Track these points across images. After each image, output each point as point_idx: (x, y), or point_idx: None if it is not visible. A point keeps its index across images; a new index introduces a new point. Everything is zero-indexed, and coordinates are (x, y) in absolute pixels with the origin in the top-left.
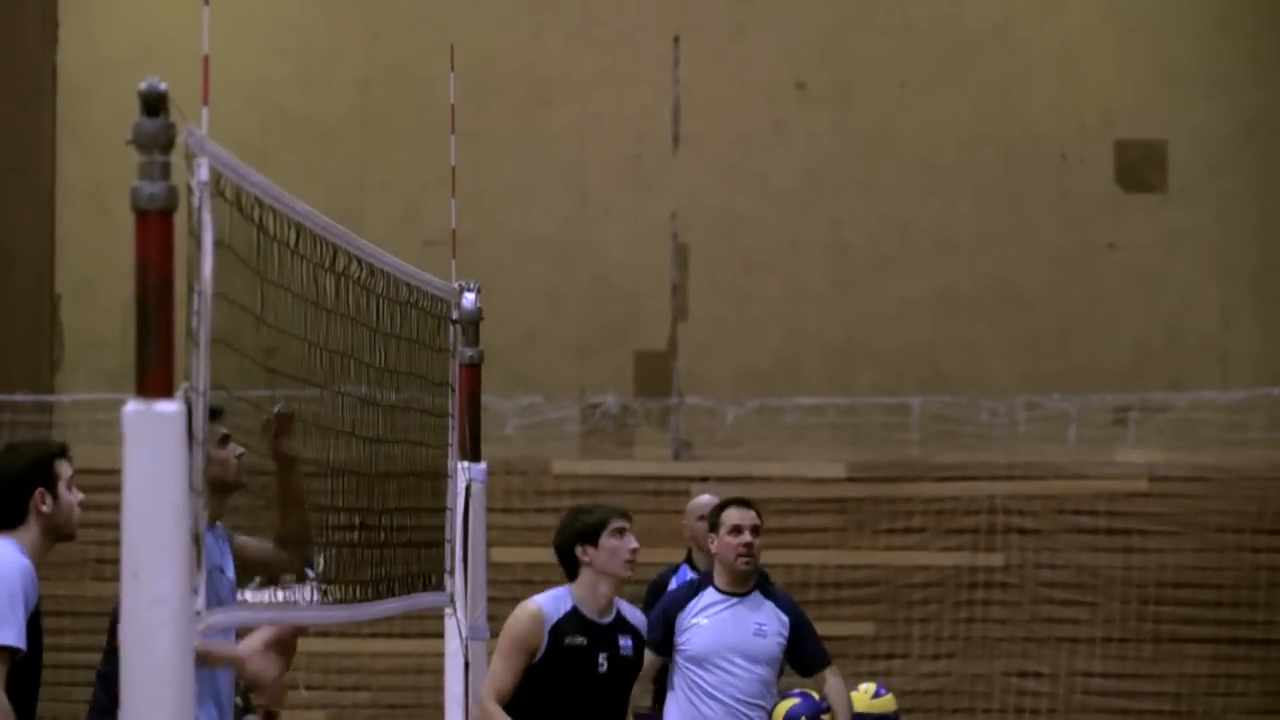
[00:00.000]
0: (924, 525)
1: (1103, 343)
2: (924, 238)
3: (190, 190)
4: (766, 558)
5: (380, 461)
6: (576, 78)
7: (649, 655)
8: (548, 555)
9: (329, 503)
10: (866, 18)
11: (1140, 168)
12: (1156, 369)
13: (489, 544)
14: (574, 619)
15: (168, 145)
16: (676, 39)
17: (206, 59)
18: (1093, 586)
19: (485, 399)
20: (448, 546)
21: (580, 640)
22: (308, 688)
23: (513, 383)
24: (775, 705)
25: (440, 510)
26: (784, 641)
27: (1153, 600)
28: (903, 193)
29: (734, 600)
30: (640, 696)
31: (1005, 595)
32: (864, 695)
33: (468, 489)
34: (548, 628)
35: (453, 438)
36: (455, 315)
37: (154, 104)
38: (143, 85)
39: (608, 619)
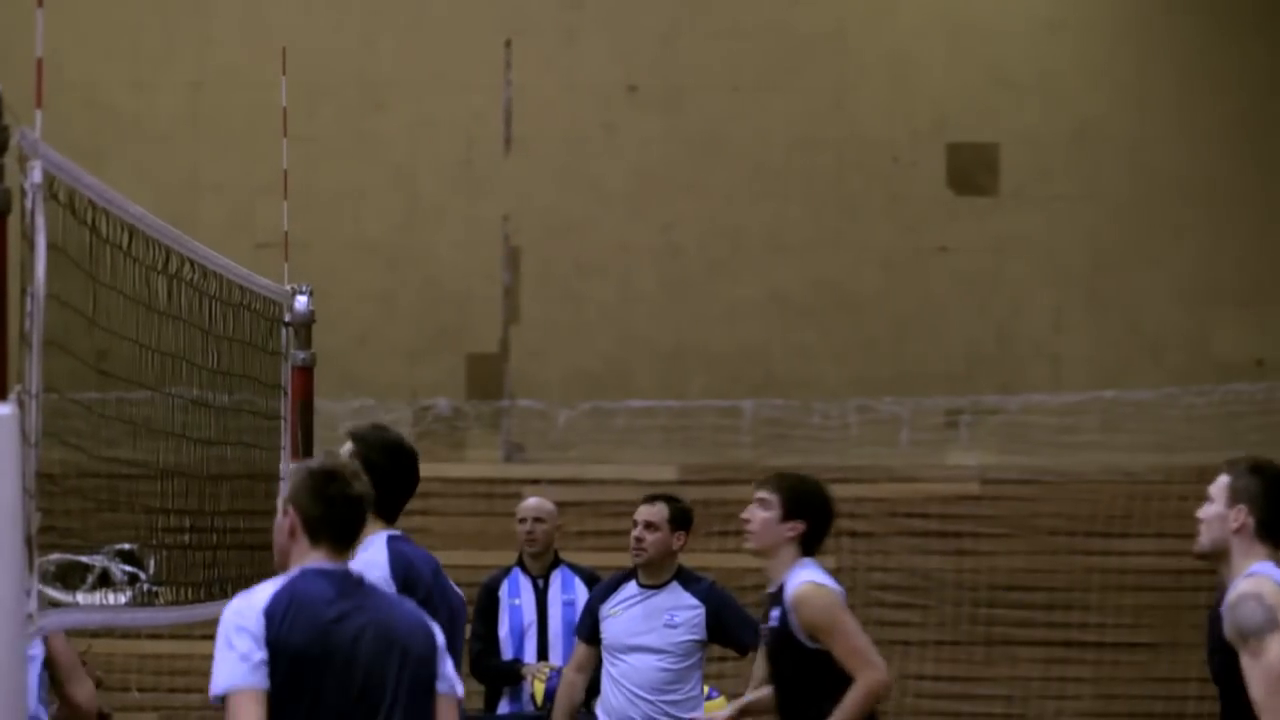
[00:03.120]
0: None
1: (934, 346)
2: (755, 241)
3: (23, 193)
4: (597, 560)
5: (212, 464)
6: (408, 81)
7: (578, 645)
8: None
9: (159, 505)
10: (697, 22)
11: (972, 171)
12: (988, 372)
13: None
14: None
15: (1, 148)
16: (508, 42)
17: (40, 61)
18: (925, 589)
19: (317, 402)
20: None
21: None
22: (140, 689)
23: (344, 385)
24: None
25: (273, 512)
26: (699, 629)
27: (985, 603)
28: (734, 196)
29: (650, 592)
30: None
31: None
32: None
33: None
34: None
35: (285, 440)
36: (287, 318)
37: None
38: None
39: None
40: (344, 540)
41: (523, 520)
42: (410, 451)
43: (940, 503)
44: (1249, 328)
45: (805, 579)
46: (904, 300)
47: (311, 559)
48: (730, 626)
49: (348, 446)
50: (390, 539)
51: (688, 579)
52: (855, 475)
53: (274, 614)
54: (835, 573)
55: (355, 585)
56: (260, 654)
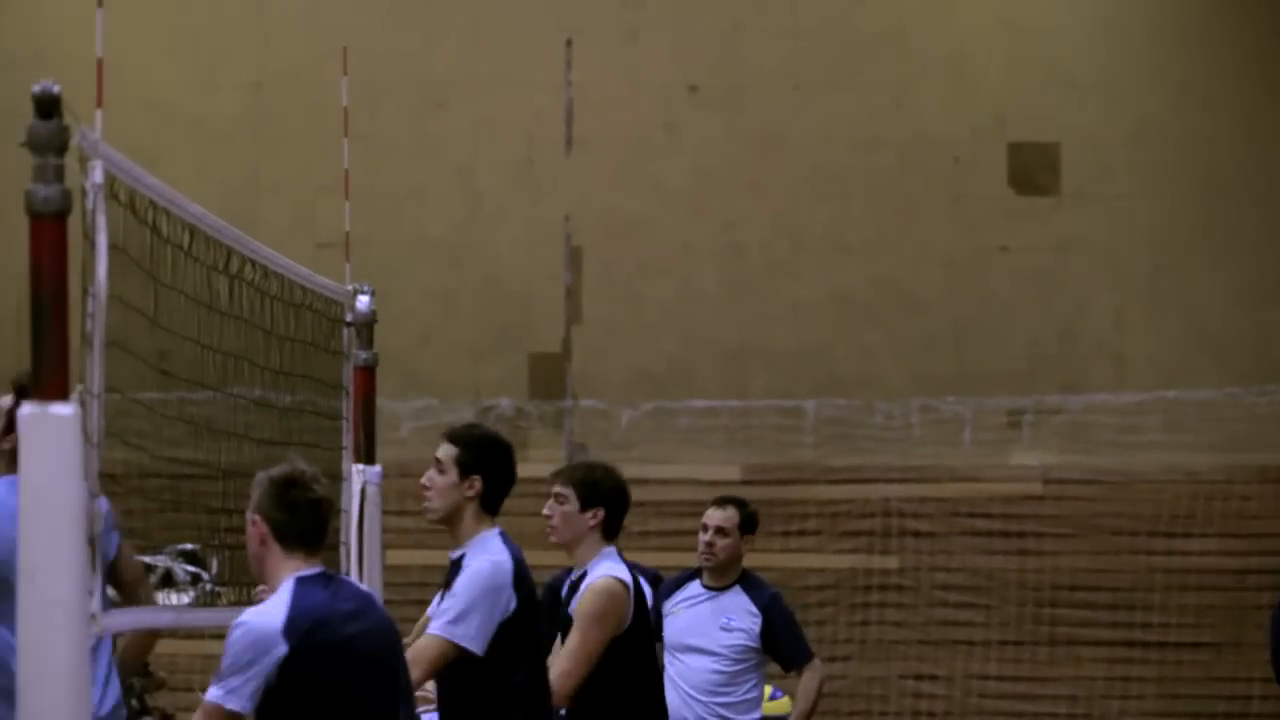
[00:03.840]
0: (819, 528)
1: (996, 346)
2: (817, 241)
3: (84, 193)
4: (659, 560)
5: (274, 464)
6: (469, 81)
7: None
8: (442, 558)
9: (222, 505)
10: (758, 21)
11: (1033, 170)
12: (1050, 372)
13: (384, 546)
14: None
15: (61, 148)
16: (569, 42)
17: (100, 61)
18: (988, 589)
19: (379, 402)
20: (343, 549)
21: None
22: (203, 690)
23: (407, 385)
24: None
25: (335, 513)
26: (754, 636)
27: (1048, 603)
28: (795, 196)
29: (713, 593)
30: None
31: (900, 598)
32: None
33: (362, 492)
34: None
35: (347, 440)
36: (349, 318)
37: (47, 106)
38: (36, 88)
39: None
40: (314, 542)
41: None
42: (507, 446)
43: (1003, 502)
44: None
45: (608, 571)
46: (966, 300)
47: (290, 567)
48: (781, 643)
49: (446, 448)
50: (502, 534)
51: (751, 584)
52: (918, 475)
53: (295, 633)
54: (899, 572)
55: (337, 582)
56: (259, 683)
